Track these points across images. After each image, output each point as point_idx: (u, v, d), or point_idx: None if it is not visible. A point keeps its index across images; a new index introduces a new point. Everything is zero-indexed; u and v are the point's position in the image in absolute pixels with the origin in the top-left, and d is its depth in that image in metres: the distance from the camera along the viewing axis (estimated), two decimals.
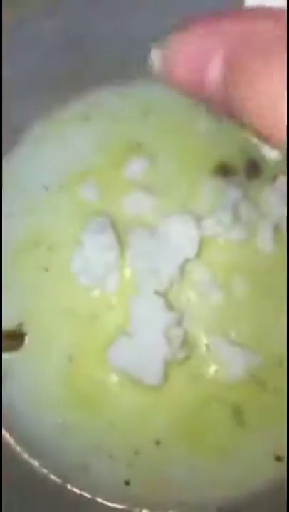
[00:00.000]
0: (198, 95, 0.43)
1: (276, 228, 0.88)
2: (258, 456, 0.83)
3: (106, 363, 0.85)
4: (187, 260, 0.87)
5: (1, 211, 0.92)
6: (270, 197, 0.89)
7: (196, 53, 0.42)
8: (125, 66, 0.92)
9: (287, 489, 0.80)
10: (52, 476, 0.87)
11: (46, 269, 0.90)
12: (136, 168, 0.93)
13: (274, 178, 0.91)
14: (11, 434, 0.87)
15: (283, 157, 0.43)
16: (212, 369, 0.85)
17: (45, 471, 0.87)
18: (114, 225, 0.90)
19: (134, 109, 0.95)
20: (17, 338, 0.88)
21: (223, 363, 0.85)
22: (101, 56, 0.90)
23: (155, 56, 0.45)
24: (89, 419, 0.85)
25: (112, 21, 0.87)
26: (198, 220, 0.87)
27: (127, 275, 0.88)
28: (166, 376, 0.84)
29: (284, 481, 0.82)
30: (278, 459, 0.83)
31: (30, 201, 0.93)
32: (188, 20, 0.43)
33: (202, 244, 0.87)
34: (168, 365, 0.84)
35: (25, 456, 0.87)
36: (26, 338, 0.89)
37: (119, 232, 0.89)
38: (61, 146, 0.95)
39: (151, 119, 0.95)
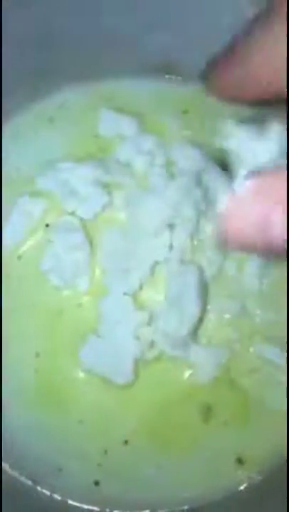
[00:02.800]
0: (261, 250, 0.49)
1: None
2: (220, 455, 0.84)
3: (75, 361, 0.84)
4: (157, 262, 0.86)
5: (1, 211, 0.91)
6: None
7: (258, 216, 0.48)
8: (96, 64, 0.93)
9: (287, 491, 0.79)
10: (22, 478, 0.87)
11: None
12: None
13: None
14: None
15: None
16: (181, 369, 0.85)
17: (15, 473, 0.87)
18: (84, 225, 0.89)
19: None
20: None
21: (193, 363, 0.85)
22: (70, 54, 0.90)
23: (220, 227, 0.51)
24: (58, 417, 0.84)
25: (83, 18, 0.87)
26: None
27: (97, 275, 0.88)
28: (135, 375, 0.84)
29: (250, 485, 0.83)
30: (239, 461, 0.84)
31: None
32: None
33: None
34: (137, 365, 0.84)
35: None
36: None
37: (90, 232, 0.89)
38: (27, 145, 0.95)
39: None
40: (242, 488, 0.83)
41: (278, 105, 0.98)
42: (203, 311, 0.84)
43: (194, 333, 0.84)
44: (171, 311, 0.83)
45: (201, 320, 0.85)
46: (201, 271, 0.85)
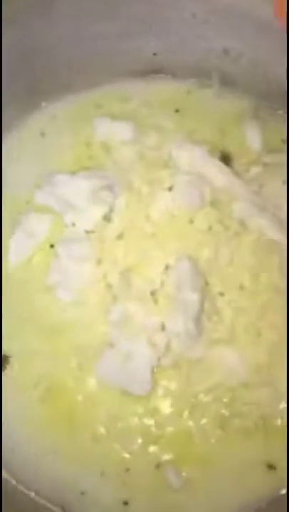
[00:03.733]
0: None
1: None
2: (246, 463, 0.79)
3: (88, 376, 0.81)
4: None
5: (1, 208, 0.91)
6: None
7: None
8: (83, 73, 0.93)
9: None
10: (49, 505, 0.83)
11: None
12: None
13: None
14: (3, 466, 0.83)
15: None
16: (200, 373, 0.81)
17: (43, 500, 0.83)
18: (88, 236, 0.87)
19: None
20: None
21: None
22: (57, 66, 0.90)
23: None
24: (70, 436, 0.80)
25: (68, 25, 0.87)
26: None
27: (104, 284, 0.85)
28: (153, 385, 0.80)
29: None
30: (270, 467, 0.79)
31: None
32: None
33: None
34: (154, 374, 0.80)
35: (21, 487, 0.83)
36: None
37: (94, 242, 0.86)
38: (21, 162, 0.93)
39: None
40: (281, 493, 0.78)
41: (278, 98, 0.96)
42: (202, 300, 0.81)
43: (200, 325, 0.80)
44: (177, 311, 0.80)
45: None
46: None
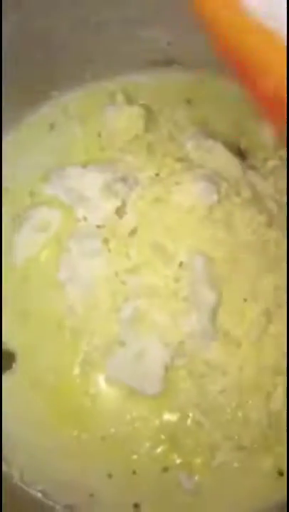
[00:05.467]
0: None
1: None
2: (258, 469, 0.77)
3: (97, 375, 0.79)
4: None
5: (1, 211, 0.88)
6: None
7: None
8: (94, 63, 0.91)
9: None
10: (58, 507, 0.81)
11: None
12: None
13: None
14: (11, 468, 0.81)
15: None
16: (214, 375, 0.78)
17: (50, 502, 0.81)
18: (99, 231, 0.85)
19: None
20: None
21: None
22: (67, 56, 0.87)
23: None
24: (78, 436, 0.78)
25: (75, 18, 0.84)
26: None
27: (116, 281, 0.82)
28: (165, 385, 0.78)
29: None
30: (281, 474, 0.78)
31: None
32: None
33: None
34: (167, 373, 0.78)
35: (27, 488, 0.81)
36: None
37: (106, 237, 0.84)
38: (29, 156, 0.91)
39: None
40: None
41: None
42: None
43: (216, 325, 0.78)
44: (191, 309, 0.77)
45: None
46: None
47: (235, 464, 0.77)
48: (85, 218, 0.85)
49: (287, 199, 0.84)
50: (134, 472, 0.78)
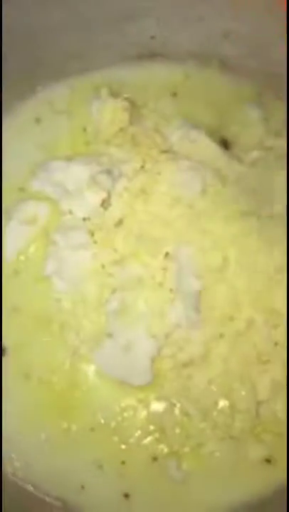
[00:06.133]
0: None
1: None
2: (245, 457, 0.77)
3: (86, 366, 0.80)
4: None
5: (1, 212, 0.88)
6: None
7: None
8: (79, 57, 0.90)
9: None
10: (49, 499, 0.81)
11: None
12: None
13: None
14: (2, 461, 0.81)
15: None
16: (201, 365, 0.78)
17: (41, 494, 0.81)
18: (85, 223, 0.85)
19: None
20: None
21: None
22: (53, 49, 0.87)
23: None
24: (67, 427, 0.79)
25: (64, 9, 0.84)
26: None
27: (102, 273, 0.83)
28: (153, 375, 0.78)
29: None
30: (268, 461, 0.78)
31: None
32: None
33: None
34: (155, 362, 0.78)
35: (19, 481, 0.81)
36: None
37: (91, 230, 0.84)
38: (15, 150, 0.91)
39: None
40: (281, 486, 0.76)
41: (280, 82, 0.94)
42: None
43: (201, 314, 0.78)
44: (176, 298, 0.78)
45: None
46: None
47: (224, 453, 0.78)
48: (70, 211, 0.85)
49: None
50: (123, 462, 0.78)
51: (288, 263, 0.79)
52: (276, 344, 0.78)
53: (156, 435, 0.78)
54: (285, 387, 0.78)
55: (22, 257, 0.85)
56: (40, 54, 0.88)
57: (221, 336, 0.78)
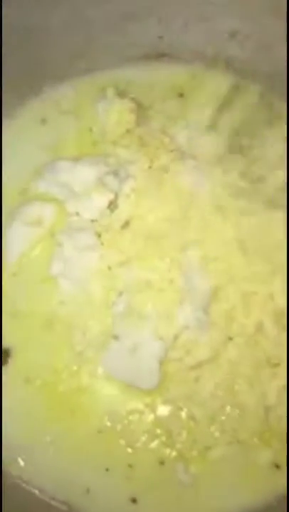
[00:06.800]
0: None
1: None
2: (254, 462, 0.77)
3: (93, 369, 0.79)
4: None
5: (1, 215, 0.88)
6: None
7: None
8: (86, 57, 0.90)
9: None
10: (54, 503, 0.80)
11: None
12: None
13: None
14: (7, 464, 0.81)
15: None
16: (210, 368, 0.77)
17: (46, 497, 0.80)
18: (92, 224, 0.84)
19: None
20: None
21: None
22: (60, 49, 0.87)
23: None
24: (73, 429, 0.78)
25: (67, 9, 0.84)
26: None
27: (109, 275, 0.82)
28: (160, 378, 0.77)
29: None
30: (277, 467, 0.77)
31: None
32: None
33: None
34: (162, 365, 0.77)
35: (24, 485, 0.80)
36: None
37: (98, 231, 0.84)
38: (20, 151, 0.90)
39: None
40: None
41: (283, 81, 0.94)
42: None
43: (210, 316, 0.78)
44: (185, 300, 0.77)
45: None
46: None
47: (232, 457, 0.77)
48: (77, 213, 0.85)
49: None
50: (130, 466, 0.77)
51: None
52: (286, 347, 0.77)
53: (163, 439, 0.77)
54: None
55: (25, 259, 0.85)
56: (45, 54, 0.87)
57: (230, 338, 0.77)
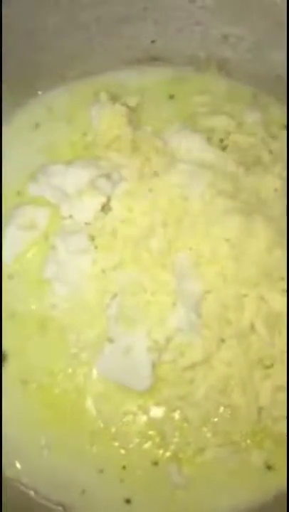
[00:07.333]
0: None
1: None
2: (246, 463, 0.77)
3: (87, 371, 0.80)
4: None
5: (1, 214, 0.88)
6: None
7: None
8: (79, 62, 0.91)
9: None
10: (50, 505, 0.81)
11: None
12: None
13: None
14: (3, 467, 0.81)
15: None
16: (202, 370, 0.78)
17: (42, 500, 0.81)
18: (85, 227, 0.85)
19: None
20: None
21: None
22: (53, 54, 0.87)
23: None
24: (69, 432, 0.79)
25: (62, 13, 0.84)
26: None
27: (102, 278, 0.83)
28: (154, 380, 0.78)
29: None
30: (269, 468, 0.78)
31: None
32: None
33: None
34: (155, 367, 0.78)
35: (20, 486, 0.81)
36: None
37: (92, 234, 0.84)
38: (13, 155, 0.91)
39: None
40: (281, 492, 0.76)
41: (278, 84, 0.94)
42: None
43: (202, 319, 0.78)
44: (178, 302, 0.77)
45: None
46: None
47: (225, 459, 0.78)
48: (70, 216, 0.85)
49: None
50: (124, 467, 0.78)
51: (288, 265, 0.79)
52: (279, 348, 0.78)
53: (157, 440, 0.78)
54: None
55: (20, 262, 0.85)
56: (39, 58, 0.88)
57: (222, 340, 0.77)
